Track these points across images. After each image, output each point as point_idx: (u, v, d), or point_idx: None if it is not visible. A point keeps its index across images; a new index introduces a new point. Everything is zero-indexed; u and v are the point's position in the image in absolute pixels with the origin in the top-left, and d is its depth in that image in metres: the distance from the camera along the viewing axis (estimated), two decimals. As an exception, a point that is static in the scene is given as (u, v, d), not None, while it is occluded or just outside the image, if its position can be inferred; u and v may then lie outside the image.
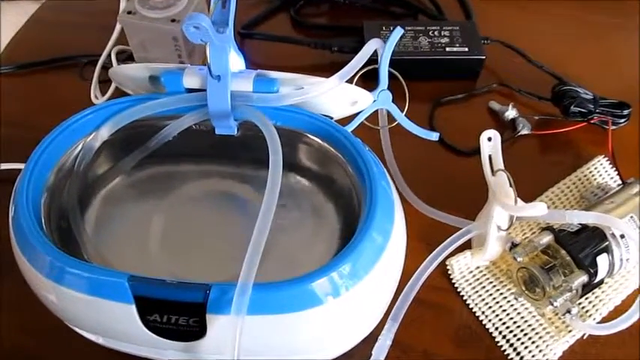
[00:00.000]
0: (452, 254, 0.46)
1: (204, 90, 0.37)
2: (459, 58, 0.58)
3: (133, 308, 0.32)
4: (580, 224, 0.43)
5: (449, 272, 0.47)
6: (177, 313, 0.31)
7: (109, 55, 0.57)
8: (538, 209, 0.40)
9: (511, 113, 0.57)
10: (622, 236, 0.42)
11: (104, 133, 0.38)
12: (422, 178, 0.52)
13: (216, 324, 0.32)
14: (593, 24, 0.67)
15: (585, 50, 0.64)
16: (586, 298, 0.45)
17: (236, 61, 0.38)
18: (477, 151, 0.47)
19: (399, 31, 0.43)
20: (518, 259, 0.43)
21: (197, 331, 0.32)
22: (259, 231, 0.31)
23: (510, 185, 0.43)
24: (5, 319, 0.45)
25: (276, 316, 0.32)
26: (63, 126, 0.37)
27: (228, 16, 0.36)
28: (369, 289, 0.34)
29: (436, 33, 0.59)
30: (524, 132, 0.56)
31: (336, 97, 0.40)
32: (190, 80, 0.38)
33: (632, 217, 0.44)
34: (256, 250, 0.31)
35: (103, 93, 0.57)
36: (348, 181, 0.38)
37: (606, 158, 0.53)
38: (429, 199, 0.50)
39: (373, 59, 0.42)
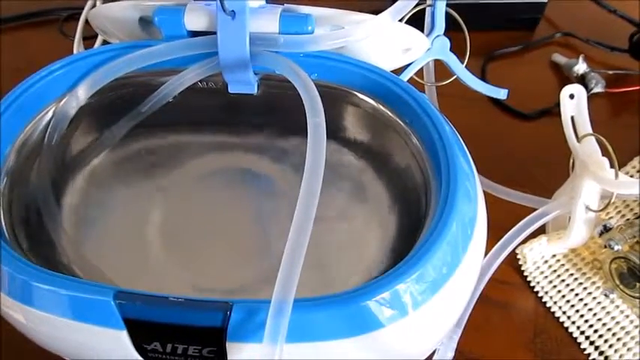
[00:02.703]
0: (523, 241, 0.38)
1: (214, 33, 0.28)
2: (517, 3, 0.50)
3: (125, 335, 0.23)
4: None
5: (520, 263, 0.39)
6: (186, 341, 0.23)
7: (95, 5, 0.48)
8: (644, 185, 0.31)
9: (581, 67, 0.49)
10: None
11: (81, 94, 0.29)
12: (480, 149, 0.43)
13: (241, 355, 0.23)
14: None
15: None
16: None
17: (254, -8, 0.28)
18: (542, 114, 0.39)
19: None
20: (615, 248, 0.35)
21: (214, 364, 0.23)
22: (299, 228, 0.22)
23: (605, 154, 0.34)
24: None
25: (320, 343, 0.23)
26: (23, 86, 0.28)
27: None
28: (444, 302, 0.25)
29: (489, -27, 0.50)
30: (598, 90, 0.48)
31: (385, 41, 0.31)
32: (194, 20, 0.29)
33: None
34: (296, 254, 0.22)
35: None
36: (409, 154, 0.28)
37: (701, 119, 0.44)
38: (490, 175, 0.41)
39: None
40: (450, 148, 0.26)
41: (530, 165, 0.43)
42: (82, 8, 0.50)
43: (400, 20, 0.31)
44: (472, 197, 0.26)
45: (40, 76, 0.28)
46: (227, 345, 0.23)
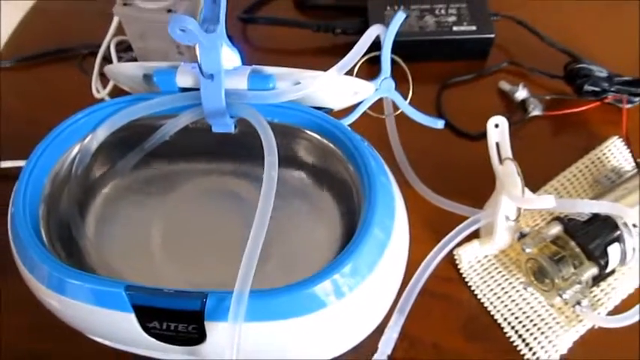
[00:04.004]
0: (460, 244, 0.46)
1: (199, 89, 0.36)
2: (467, 38, 0.56)
3: (133, 316, 0.32)
4: (591, 213, 0.42)
5: (457, 262, 0.46)
6: (176, 320, 0.31)
7: (109, 46, 0.56)
8: (546, 202, 0.39)
9: (521, 94, 0.55)
10: (635, 225, 0.41)
11: (100, 135, 0.38)
12: (430, 165, 0.51)
13: (216, 330, 0.31)
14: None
15: (604, 23, 0.61)
16: (598, 286, 0.44)
17: (230, 56, 0.37)
18: (484, 135, 0.45)
19: (400, 16, 0.41)
20: (527, 250, 0.42)
21: (197, 337, 0.32)
22: (255, 237, 0.30)
23: (518, 175, 0.42)
24: (13, 321, 0.45)
25: (279, 322, 0.32)
26: (55, 132, 0.36)
27: (219, 11, 0.34)
28: (373, 287, 0.33)
29: (443, 11, 0.57)
30: (536, 113, 0.54)
31: (335, 89, 0.39)
32: (184, 79, 0.37)
33: (646, 204, 0.42)
34: (252, 256, 0.30)
35: (105, 85, 0.56)
36: (347, 176, 0.37)
37: (621, 139, 0.51)
38: (437, 187, 0.49)
39: (378, 42, 0.41)
40: (372, 175, 0.34)
41: (470, 179, 0.48)
42: (100, 46, 0.59)
43: (354, 67, 0.39)
44: (390, 210, 0.34)
45: (68, 124, 0.37)
46: (205, 323, 0.31)
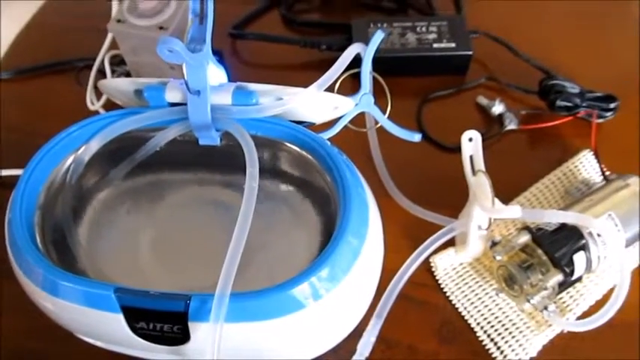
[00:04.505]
0: (436, 251, 0.48)
1: (187, 104, 0.38)
2: (446, 55, 0.59)
3: (121, 317, 0.34)
4: (559, 223, 0.45)
5: (433, 269, 0.49)
6: (162, 321, 0.33)
7: (104, 60, 0.59)
8: (513, 212, 0.41)
9: (498, 108, 0.57)
10: (599, 234, 0.43)
11: (93, 146, 0.40)
12: (410, 176, 0.53)
13: (199, 331, 0.34)
14: (587, 13, 0.67)
15: (577, 42, 0.64)
16: (567, 293, 0.47)
17: (216, 74, 0.39)
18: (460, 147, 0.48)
19: (379, 35, 0.44)
20: (498, 258, 0.45)
21: (181, 337, 0.34)
22: (235, 243, 0.33)
23: (489, 186, 0.44)
24: (11, 322, 0.47)
25: (260, 322, 0.34)
26: (51, 144, 0.38)
27: (205, 32, 0.37)
28: (348, 289, 0.36)
29: (424, 29, 0.60)
30: (511, 127, 0.56)
31: (315, 104, 0.41)
32: (172, 95, 0.39)
33: (610, 214, 0.45)
34: (233, 261, 0.32)
35: (99, 97, 0.59)
36: (326, 186, 0.39)
37: (592, 153, 0.53)
38: (416, 197, 0.51)
39: (360, 58, 0.43)
40: (347, 186, 0.36)
41: (447, 190, 0.50)
42: (95, 59, 0.61)
43: (335, 81, 0.42)
44: (364, 218, 0.36)
45: (62, 136, 0.39)
46: (189, 324, 0.33)
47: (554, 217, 0.43)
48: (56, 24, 0.69)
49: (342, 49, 0.43)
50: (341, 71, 0.41)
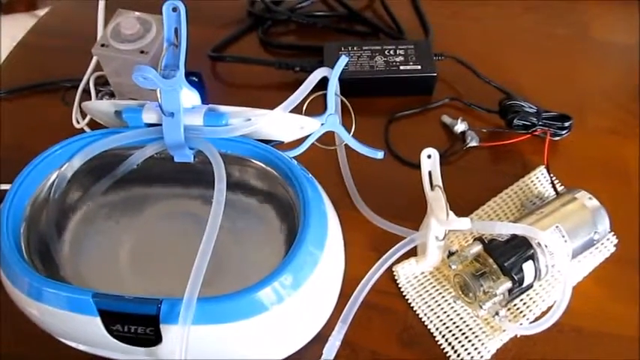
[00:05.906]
0: (399, 261, 0.51)
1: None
2: (412, 76, 0.62)
3: (99, 320, 0.37)
4: (510, 234, 0.48)
5: (395, 278, 0.52)
6: (136, 323, 0.36)
7: (89, 81, 0.62)
8: (463, 223, 0.45)
9: (460, 127, 0.61)
10: (546, 245, 0.47)
11: (75, 163, 0.43)
12: (376, 191, 0.56)
13: (170, 333, 0.37)
14: (548, 37, 0.71)
15: (535, 65, 0.68)
16: (520, 300, 0.50)
17: (189, 96, 0.42)
18: None
19: (343, 60, 0.47)
20: (453, 267, 0.48)
21: (154, 339, 0.37)
22: (203, 251, 0.36)
23: (444, 200, 0.48)
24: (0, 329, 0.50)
25: (226, 324, 0.37)
26: (36, 161, 0.42)
27: (179, 58, 0.40)
28: (309, 294, 0.39)
29: (392, 52, 0.64)
30: (473, 144, 0.60)
31: (282, 125, 0.45)
32: (149, 116, 0.42)
33: (557, 226, 0.48)
34: (200, 267, 0.36)
35: (84, 116, 0.62)
36: (289, 199, 0.42)
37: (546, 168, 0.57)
38: (382, 210, 0.54)
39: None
40: (307, 200, 0.39)
41: (410, 203, 0.52)
42: (81, 80, 0.64)
43: (303, 102, 0.45)
44: (323, 228, 0.40)
45: (46, 155, 0.42)
46: (160, 326, 0.36)
47: (504, 229, 0.47)
48: (43, 46, 0.72)
49: (315, 70, 0.46)
50: (306, 94, 0.45)
